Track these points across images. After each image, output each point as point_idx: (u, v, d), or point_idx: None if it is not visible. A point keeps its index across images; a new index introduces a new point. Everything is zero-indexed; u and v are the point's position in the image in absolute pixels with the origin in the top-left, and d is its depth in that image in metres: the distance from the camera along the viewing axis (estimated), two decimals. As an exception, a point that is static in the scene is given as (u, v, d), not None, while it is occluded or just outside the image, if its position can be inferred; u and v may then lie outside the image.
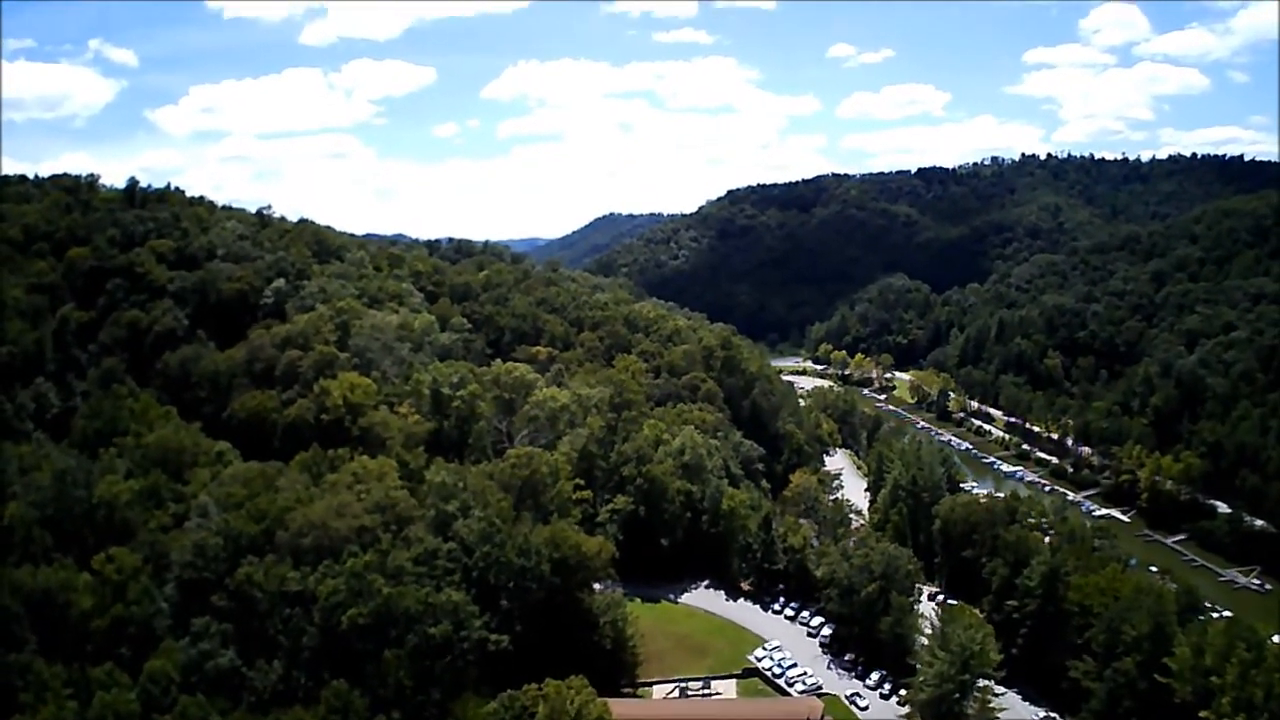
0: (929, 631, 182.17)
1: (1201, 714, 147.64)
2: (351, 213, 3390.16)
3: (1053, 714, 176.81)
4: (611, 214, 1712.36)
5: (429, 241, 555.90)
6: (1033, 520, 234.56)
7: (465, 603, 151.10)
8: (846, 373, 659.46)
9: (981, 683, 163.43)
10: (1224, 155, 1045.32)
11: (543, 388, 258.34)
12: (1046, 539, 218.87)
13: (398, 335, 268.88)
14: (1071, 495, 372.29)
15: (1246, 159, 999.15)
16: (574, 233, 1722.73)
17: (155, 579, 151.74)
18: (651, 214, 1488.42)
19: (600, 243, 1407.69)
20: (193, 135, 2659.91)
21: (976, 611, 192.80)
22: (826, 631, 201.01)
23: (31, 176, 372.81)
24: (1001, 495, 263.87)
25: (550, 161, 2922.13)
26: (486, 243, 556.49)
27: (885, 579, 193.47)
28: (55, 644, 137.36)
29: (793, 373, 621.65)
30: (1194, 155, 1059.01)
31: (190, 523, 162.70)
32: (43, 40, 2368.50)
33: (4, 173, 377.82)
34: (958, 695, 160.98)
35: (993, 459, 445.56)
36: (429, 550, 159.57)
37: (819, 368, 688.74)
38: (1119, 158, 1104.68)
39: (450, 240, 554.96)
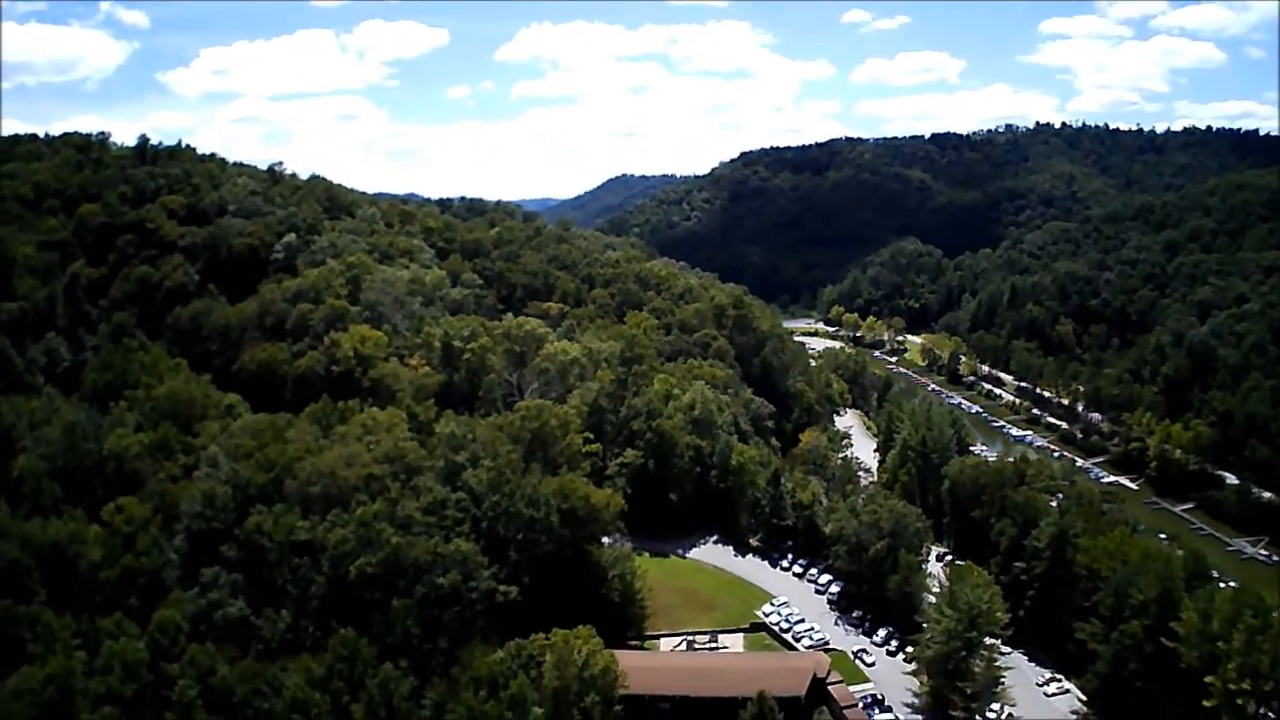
0: (937, 590, 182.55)
1: (1207, 679, 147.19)
2: (363, 174, 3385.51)
3: (1058, 675, 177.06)
4: (624, 175, 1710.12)
5: (441, 200, 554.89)
6: (1041, 483, 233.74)
7: (474, 553, 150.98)
8: (858, 335, 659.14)
9: (988, 641, 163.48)
10: (1239, 129, 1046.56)
11: (553, 341, 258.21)
12: (1054, 502, 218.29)
13: (409, 290, 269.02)
14: (1080, 461, 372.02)
15: (1262, 134, 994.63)
16: (586, 193, 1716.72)
17: (164, 530, 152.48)
18: (664, 175, 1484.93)
19: (613, 203, 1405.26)
20: (204, 97, 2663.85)
21: (984, 572, 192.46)
22: (834, 589, 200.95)
23: (43, 135, 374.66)
24: (1011, 458, 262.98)
25: (563, 123, 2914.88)
26: (499, 202, 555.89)
27: (894, 536, 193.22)
28: (64, 595, 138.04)
29: (804, 334, 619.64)
30: (1209, 128, 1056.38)
31: (199, 473, 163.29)
32: (54, 2, 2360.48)
33: (13, 133, 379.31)
34: (964, 653, 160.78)
35: (1002, 423, 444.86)
36: (438, 500, 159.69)
37: (830, 330, 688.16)
38: (1134, 129, 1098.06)
39: (462, 199, 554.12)
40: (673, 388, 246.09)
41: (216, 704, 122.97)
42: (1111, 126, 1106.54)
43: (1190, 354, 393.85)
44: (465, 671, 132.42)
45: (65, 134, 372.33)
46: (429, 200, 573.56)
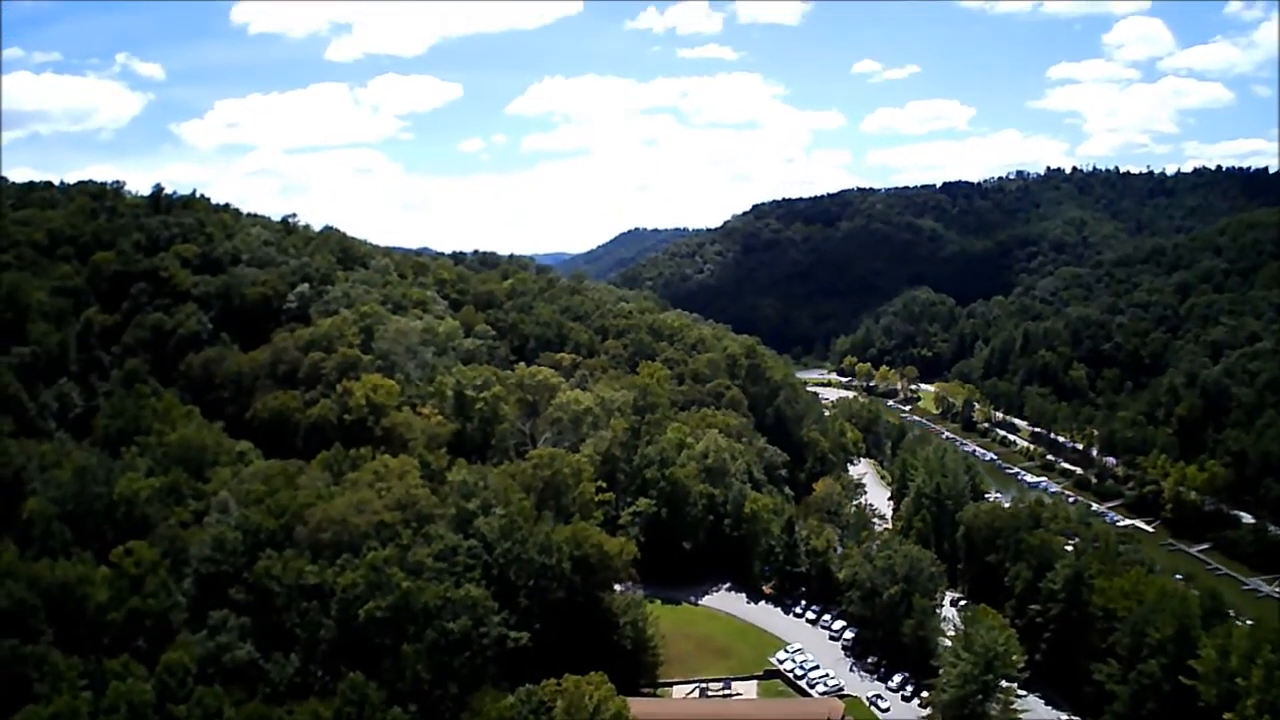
0: (952, 634, 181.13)
1: (1226, 716, 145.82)
2: (377, 227, 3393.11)
3: (1076, 717, 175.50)
4: (637, 229, 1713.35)
5: (454, 253, 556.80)
6: (1057, 526, 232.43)
7: (484, 599, 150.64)
8: (871, 384, 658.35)
9: (1004, 684, 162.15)
10: (1249, 168, 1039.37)
11: (566, 391, 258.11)
12: (1070, 545, 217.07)
13: (422, 340, 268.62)
14: (1096, 505, 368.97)
15: (1271, 171, 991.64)
16: (599, 247, 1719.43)
17: (174, 574, 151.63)
18: (677, 228, 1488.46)
19: (625, 257, 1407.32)
20: (218, 149, 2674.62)
21: (999, 615, 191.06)
22: (848, 635, 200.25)
23: (57, 183, 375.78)
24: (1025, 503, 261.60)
25: (576, 177, 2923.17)
26: (511, 256, 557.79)
27: (908, 581, 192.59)
28: (72, 636, 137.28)
29: (817, 385, 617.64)
30: (1219, 168, 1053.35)
31: (210, 518, 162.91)
32: (70, 53, 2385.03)
33: (28, 180, 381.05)
34: (980, 696, 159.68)
35: (1017, 469, 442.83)
36: (449, 546, 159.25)
37: (844, 380, 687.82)
38: (1144, 171, 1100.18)
39: (475, 253, 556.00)
40: (686, 436, 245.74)
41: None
42: (1122, 170, 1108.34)
43: (1204, 394, 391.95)
44: (475, 717, 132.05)
45: (80, 182, 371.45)
46: (441, 254, 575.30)
